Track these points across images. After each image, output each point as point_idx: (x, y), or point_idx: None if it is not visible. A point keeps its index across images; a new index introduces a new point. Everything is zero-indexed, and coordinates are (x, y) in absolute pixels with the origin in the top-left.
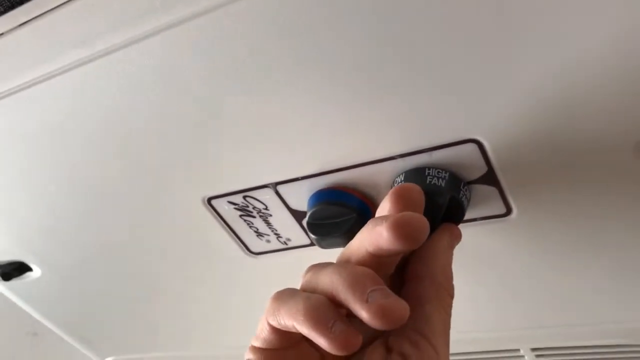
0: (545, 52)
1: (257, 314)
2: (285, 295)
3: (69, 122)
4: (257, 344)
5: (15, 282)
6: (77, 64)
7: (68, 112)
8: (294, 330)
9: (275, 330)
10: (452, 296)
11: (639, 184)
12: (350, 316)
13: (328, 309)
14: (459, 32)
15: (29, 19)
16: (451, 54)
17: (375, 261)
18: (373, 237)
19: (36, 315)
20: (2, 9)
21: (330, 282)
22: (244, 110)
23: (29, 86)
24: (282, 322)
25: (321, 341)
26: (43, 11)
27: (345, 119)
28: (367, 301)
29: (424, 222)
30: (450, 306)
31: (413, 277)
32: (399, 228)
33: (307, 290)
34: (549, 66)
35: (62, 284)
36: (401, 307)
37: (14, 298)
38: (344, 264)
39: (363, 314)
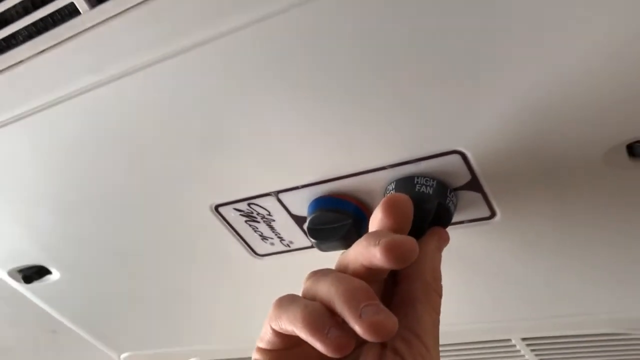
0: (521, 71)
1: (263, 311)
2: (285, 302)
3: (86, 139)
4: (262, 345)
5: (35, 284)
6: (92, 87)
7: (85, 130)
8: (293, 334)
9: (277, 334)
10: (440, 296)
11: (609, 188)
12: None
13: (324, 317)
14: (441, 56)
15: (47, 47)
16: (434, 76)
17: (370, 273)
18: (367, 255)
19: (56, 315)
20: (21, 38)
21: (328, 292)
22: (247, 126)
23: (49, 107)
24: (283, 326)
25: (318, 345)
26: (59, 40)
27: (341, 133)
28: (360, 316)
29: (414, 245)
30: (439, 305)
31: (404, 278)
32: (391, 251)
33: (307, 297)
34: (524, 84)
35: (79, 285)
36: (391, 322)
37: (34, 299)
38: (341, 275)
39: (357, 328)
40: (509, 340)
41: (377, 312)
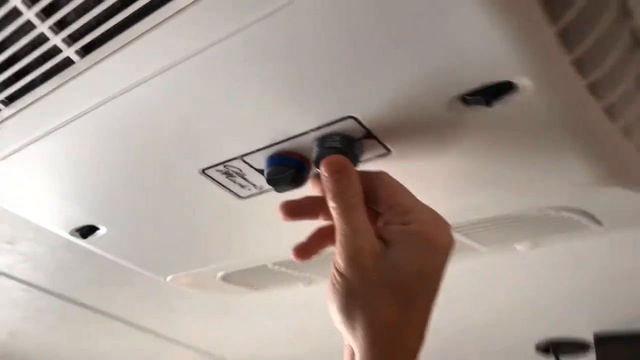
0: (389, 64)
1: (257, 233)
2: None
3: (114, 138)
4: None
5: (90, 238)
6: (92, 108)
7: (123, 132)
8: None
9: None
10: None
11: (457, 127)
12: None
13: None
14: (344, 55)
15: (58, 85)
16: (337, 70)
17: None
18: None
19: (111, 257)
20: (38, 81)
21: None
22: (219, 115)
23: (65, 125)
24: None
25: None
26: (65, 80)
27: (276, 112)
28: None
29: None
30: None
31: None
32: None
33: None
34: (385, 74)
35: (122, 234)
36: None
37: (93, 249)
38: None
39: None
40: None
41: None
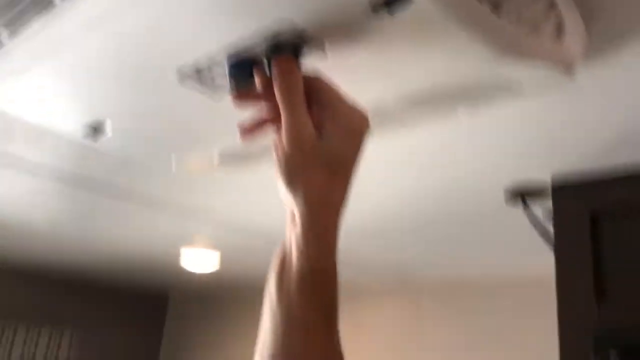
0: None
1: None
2: None
3: (106, 56)
4: None
5: (100, 142)
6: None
7: (109, 51)
8: None
9: None
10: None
11: (380, 30)
12: None
13: None
14: None
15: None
16: None
17: None
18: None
19: (116, 155)
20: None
21: None
22: (184, 28)
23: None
24: None
25: None
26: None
27: (232, 21)
28: None
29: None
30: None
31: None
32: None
33: None
34: None
35: (124, 133)
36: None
37: (102, 150)
38: None
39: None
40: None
41: None
